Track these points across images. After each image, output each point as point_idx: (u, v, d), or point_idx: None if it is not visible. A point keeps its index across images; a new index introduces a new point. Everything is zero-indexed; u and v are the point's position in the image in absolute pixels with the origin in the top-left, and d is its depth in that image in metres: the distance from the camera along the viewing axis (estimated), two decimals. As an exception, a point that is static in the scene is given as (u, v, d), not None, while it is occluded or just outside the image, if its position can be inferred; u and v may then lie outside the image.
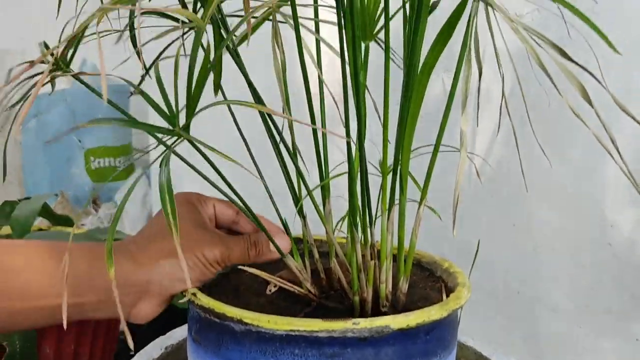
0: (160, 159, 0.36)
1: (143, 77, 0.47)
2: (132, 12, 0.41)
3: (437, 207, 0.53)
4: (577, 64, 0.31)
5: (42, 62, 0.38)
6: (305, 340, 0.36)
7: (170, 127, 0.39)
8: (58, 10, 0.42)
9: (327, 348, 0.36)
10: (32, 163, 1.09)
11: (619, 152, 0.31)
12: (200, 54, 0.38)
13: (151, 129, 0.38)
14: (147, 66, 0.44)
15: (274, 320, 0.36)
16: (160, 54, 0.46)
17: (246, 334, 0.37)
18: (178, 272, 0.42)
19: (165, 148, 0.37)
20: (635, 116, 0.31)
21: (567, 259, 0.69)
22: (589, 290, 0.68)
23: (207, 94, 0.39)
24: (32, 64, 0.36)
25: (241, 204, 0.44)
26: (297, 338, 0.36)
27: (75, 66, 1.20)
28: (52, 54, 0.40)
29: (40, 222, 0.85)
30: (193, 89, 0.36)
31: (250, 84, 0.43)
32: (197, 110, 0.37)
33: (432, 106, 0.55)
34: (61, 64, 0.41)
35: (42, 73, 0.38)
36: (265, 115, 0.44)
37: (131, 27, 0.43)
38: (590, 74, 0.32)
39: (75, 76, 0.45)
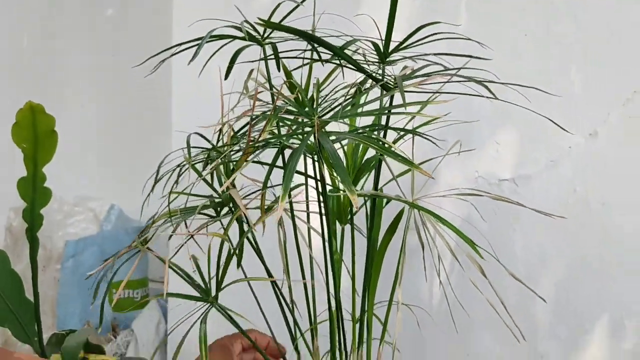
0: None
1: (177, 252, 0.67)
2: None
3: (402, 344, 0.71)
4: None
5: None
6: None
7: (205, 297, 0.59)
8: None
9: None
10: (66, 297, 1.27)
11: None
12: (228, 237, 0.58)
13: (192, 299, 0.58)
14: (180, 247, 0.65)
15: None
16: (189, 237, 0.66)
17: None
18: None
19: (204, 310, 0.56)
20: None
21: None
22: None
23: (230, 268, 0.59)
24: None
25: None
26: None
27: (103, 209, 1.43)
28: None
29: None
30: (222, 270, 0.56)
31: (263, 263, 0.63)
32: (223, 285, 0.57)
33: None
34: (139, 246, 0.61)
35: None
36: (274, 283, 0.64)
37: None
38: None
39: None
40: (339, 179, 0.40)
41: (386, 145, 0.52)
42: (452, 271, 0.87)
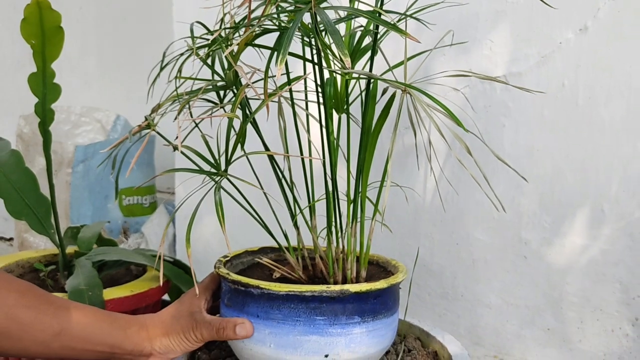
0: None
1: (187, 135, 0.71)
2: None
3: (397, 228, 0.77)
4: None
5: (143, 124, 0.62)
6: (297, 297, 0.59)
7: (215, 170, 0.63)
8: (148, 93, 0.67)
9: (311, 303, 0.59)
10: (78, 200, 1.33)
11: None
12: (233, 122, 0.62)
13: (204, 173, 0.62)
14: (191, 129, 0.69)
15: (279, 285, 0.59)
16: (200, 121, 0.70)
17: (261, 295, 0.60)
18: (170, 346, 0.65)
19: (214, 183, 0.61)
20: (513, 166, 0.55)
21: (496, 268, 0.92)
22: (513, 291, 0.91)
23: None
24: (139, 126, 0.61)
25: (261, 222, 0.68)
26: (292, 296, 0.59)
27: (110, 120, 1.47)
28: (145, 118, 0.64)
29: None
30: (232, 147, 0.61)
31: (263, 142, 0.67)
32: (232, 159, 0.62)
33: (393, 155, 0.79)
34: (150, 124, 0.65)
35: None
36: (273, 160, 0.68)
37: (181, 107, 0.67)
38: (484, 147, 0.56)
39: (148, 128, 0.69)
40: (336, 48, 0.42)
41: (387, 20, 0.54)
42: (445, 166, 0.92)
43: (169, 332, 0.65)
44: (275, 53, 0.52)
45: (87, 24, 1.91)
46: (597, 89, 0.81)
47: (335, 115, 0.71)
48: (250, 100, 0.70)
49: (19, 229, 1.43)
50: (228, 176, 0.61)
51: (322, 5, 0.50)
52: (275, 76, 0.51)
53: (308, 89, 0.72)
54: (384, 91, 0.73)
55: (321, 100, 0.66)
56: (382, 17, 0.61)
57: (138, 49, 1.78)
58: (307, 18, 0.54)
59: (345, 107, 0.72)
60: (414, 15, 0.57)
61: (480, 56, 0.89)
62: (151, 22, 1.71)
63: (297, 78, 0.73)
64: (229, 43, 0.60)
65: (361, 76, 0.68)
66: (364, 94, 0.67)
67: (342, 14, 0.61)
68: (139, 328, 0.65)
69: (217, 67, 0.70)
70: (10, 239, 1.92)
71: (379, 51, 0.67)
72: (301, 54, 0.68)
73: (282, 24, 0.57)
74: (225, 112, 0.69)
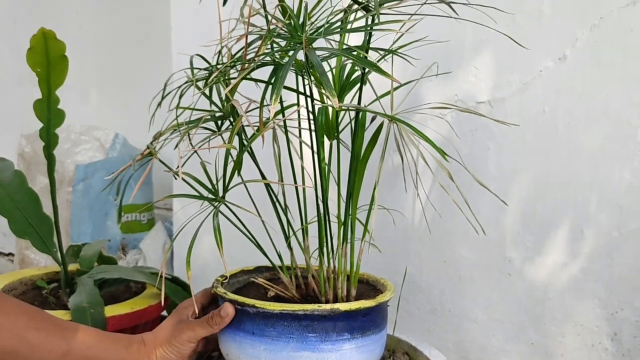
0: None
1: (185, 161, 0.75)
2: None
3: (388, 246, 0.81)
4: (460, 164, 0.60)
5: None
6: (291, 316, 0.63)
7: (213, 196, 0.67)
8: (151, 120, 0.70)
9: (303, 321, 0.63)
10: (79, 217, 1.37)
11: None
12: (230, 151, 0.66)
13: (203, 198, 0.66)
14: (183, 160, 0.73)
15: (273, 304, 0.63)
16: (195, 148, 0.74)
17: (256, 313, 0.64)
18: (166, 355, 0.69)
19: (212, 208, 0.65)
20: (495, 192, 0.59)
21: (482, 285, 0.96)
22: (498, 307, 0.95)
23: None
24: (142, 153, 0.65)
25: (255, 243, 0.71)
26: (286, 315, 0.63)
27: (108, 138, 1.52)
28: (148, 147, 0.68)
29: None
30: (229, 175, 0.65)
31: (258, 167, 0.71)
32: (230, 186, 0.66)
33: (383, 177, 0.83)
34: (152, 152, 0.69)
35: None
36: (268, 184, 0.72)
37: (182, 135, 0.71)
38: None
39: (150, 156, 0.73)
40: (324, 89, 0.46)
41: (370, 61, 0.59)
42: (432, 188, 0.96)
43: (162, 343, 0.70)
44: (270, 87, 0.56)
45: (86, 43, 1.95)
46: (576, 114, 0.85)
47: (327, 141, 0.76)
48: (246, 127, 0.74)
49: (19, 246, 1.47)
50: (226, 202, 0.65)
51: (314, 45, 0.55)
52: (269, 104, 0.55)
53: (301, 116, 0.76)
54: (373, 118, 0.77)
55: (313, 127, 0.71)
56: (372, 48, 0.65)
57: (136, 68, 1.83)
58: (300, 54, 0.58)
59: (336, 134, 0.76)
60: (398, 51, 0.61)
61: (466, 82, 0.93)
62: (150, 42, 1.75)
63: (290, 106, 0.78)
64: (227, 77, 0.64)
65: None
66: (353, 121, 0.71)
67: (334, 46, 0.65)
68: (138, 345, 0.69)
69: (215, 96, 0.74)
70: (9, 254, 1.95)
71: (367, 82, 0.71)
72: (295, 83, 0.72)
73: (276, 59, 0.61)
74: (223, 139, 0.73)
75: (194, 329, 0.69)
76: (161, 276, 0.66)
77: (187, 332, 0.69)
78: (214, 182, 0.67)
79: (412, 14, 0.61)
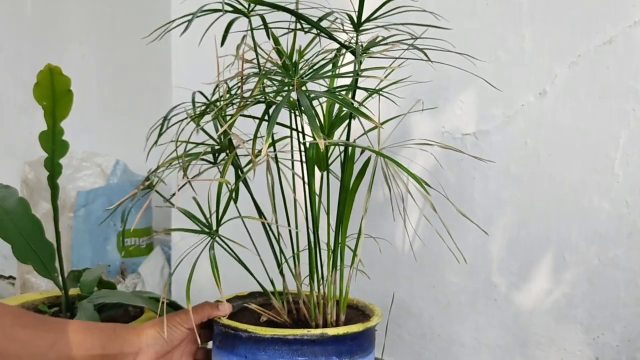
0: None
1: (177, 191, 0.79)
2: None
3: (379, 271, 0.84)
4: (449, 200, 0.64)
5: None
6: (281, 340, 0.66)
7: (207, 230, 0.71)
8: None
9: (293, 345, 0.66)
10: (79, 242, 1.40)
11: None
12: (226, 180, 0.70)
13: (197, 232, 0.70)
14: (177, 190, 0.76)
15: (264, 329, 0.66)
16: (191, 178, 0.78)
17: (249, 338, 0.67)
18: (157, 335, 0.72)
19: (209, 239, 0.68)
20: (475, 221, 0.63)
21: (469, 310, 0.99)
22: (485, 331, 0.98)
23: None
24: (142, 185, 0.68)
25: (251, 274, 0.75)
26: (277, 339, 0.66)
27: (109, 165, 1.57)
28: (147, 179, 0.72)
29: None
30: (222, 209, 0.69)
31: (254, 201, 0.75)
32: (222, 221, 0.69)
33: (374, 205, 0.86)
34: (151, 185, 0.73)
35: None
36: (261, 215, 0.76)
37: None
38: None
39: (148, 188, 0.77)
40: (312, 130, 0.51)
41: (354, 104, 0.63)
42: (420, 216, 1.00)
43: (154, 323, 0.73)
44: (265, 124, 0.61)
45: (89, 71, 2.00)
46: (556, 146, 0.89)
47: (317, 172, 0.80)
48: (241, 157, 0.78)
49: (21, 270, 1.50)
50: (220, 236, 0.69)
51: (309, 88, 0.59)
52: (263, 136, 0.58)
53: (294, 148, 0.80)
54: (362, 151, 0.81)
55: (304, 159, 0.75)
56: (359, 88, 0.69)
57: (137, 96, 1.87)
58: (293, 94, 0.63)
59: (326, 165, 0.80)
60: (384, 90, 0.66)
61: (453, 115, 0.98)
62: (150, 70, 1.80)
63: (282, 139, 0.82)
64: (224, 114, 0.68)
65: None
66: (343, 154, 0.75)
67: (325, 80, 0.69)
68: (127, 327, 0.73)
69: (211, 128, 0.78)
70: (10, 277, 1.98)
71: (356, 117, 0.76)
72: (288, 118, 0.76)
73: (269, 99, 0.65)
74: (219, 169, 0.77)
75: (186, 312, 0.71)
76: (162, 302, 0.69)
77: (180, 314, 0.73)
78: (208, 215, 0.71)
79: (395, 58, 0.65)
